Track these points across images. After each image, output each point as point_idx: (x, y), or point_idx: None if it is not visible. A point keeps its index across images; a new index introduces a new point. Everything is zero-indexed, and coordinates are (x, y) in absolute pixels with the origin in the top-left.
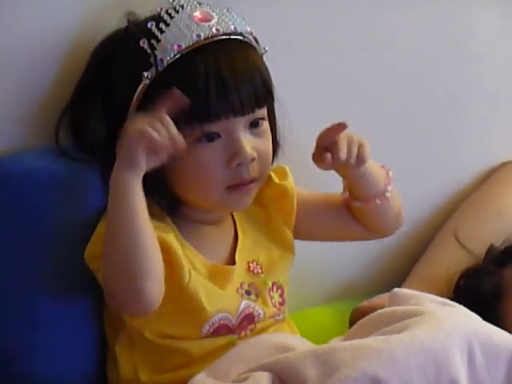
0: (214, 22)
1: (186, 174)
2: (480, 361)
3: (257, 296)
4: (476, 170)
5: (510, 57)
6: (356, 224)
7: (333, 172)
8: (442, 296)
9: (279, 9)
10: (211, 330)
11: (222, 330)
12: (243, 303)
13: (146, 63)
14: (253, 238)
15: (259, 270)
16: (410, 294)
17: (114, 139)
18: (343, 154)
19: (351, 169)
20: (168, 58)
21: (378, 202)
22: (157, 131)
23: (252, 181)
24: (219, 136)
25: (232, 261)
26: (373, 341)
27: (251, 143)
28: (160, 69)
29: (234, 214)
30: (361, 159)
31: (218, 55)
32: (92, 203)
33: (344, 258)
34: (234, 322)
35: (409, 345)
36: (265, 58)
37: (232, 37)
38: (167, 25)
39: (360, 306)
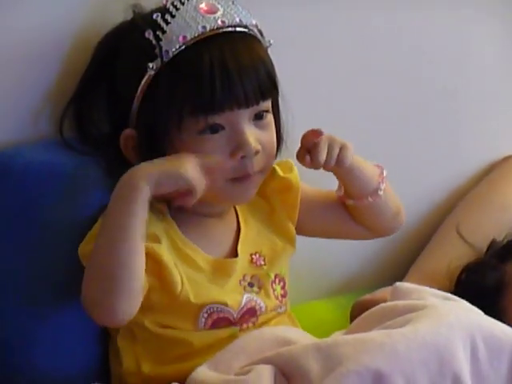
0: (219, 13)
1: None
2: (483, 355)
3: (259, 288)
4: (478, 165)
5: (510, 52)
6: (355, 222)
7: None
8: (443, 290)
9: (283, 4)
10: (209, 322)
11: (223, 322)
12: (245, 297)
13: (152, 54)
14: (256, 229)
15: (262, 262)
16: (411, 288)
17: (118, 132)
18: (321, 156)
19: (333, 169)
20: (173, 49)
21: (370, 199)
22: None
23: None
24: (223, 128)
25: (234, 253)
26: (375, 335)
27: (255, 135)
28: (165, 60)
29: (237, 206)
30: (341, 161)
31: (223, 47)
32: (95, 197)
33: (345, 251)
34: (235, 316)
35: (411, 339)
36: (269, 52)
37: (237, 29)
38: (173, 16)
39: (361, 300)
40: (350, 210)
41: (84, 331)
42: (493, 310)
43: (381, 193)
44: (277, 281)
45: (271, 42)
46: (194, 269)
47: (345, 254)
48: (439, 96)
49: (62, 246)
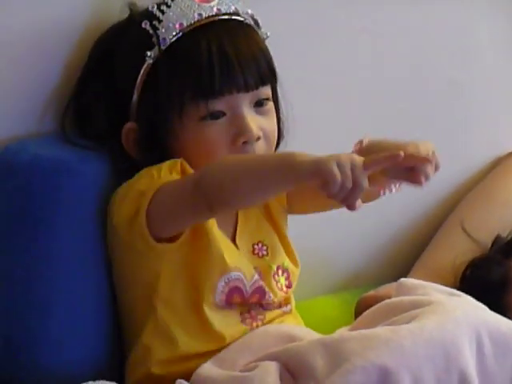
0: (214, 2)
1: (192, 152)
2: (488, 350)
3: (262, 280)
4: (482, 160)
5: None
6: None
7: None
8: (448, 286)
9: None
10: (226, 290)
11: (236, 294)
12: (255, 275)
13: (149, 43)
14: (256, 218)
15: (264, 252)
16: (416, 284)
17: (118, 127)
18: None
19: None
20: (170, 37)
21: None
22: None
23: None
24: (224, 114)
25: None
26: (381, 331)
27: (256, 122)
28: (163, 47)
29: None
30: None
31: (221, 33)
32: (101, 190)
33: (350, 247)
34: (247, 289)
35: (417, 335)
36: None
37: (233, 17)
38: (168, 6)
39: (366, 296)
40: None
41: (89, 329)
42: (498, 305)
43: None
44: (280, 272)
45: (268, 34)
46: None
47: (349, 250)
48: (444, 92)
49: (67, 241)
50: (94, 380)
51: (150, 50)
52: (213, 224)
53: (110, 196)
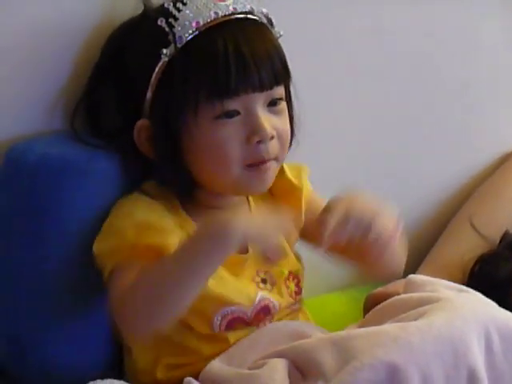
0: (230, 1)
1: (205, 152)
2: (497, 347)
3: (272, 285)
4: (490, 156)
5: None
6: None
7: (347, 162)
8: (457, 282)
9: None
10: (224, 322)
11: (237, 322)
12: (259, 295)
13: (165, 41)
14: None
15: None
16: (425, 281)
17: (130, 125)
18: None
19: None
20: (186, 35)
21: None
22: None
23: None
24: (238, 113)
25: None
26: (389, 328)
27: (270, 121)
28: (179, 45)
29: (252, 201)
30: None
31: (237, 32)
32: (109, 190)
33: None
34: (249, 315)
35: (426, 331)
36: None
37: (249, 16)
38: (184, 4)
39: (374, 293)
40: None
41: (98, 329)
42: (506, 301)
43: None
44: (291, 278)
45: (281, 33)
46: None
47: None
48: (452, 89)
49: (74, 241)
50: (102, 379)
51: (165, 47)
52: None
53: (117, 197)
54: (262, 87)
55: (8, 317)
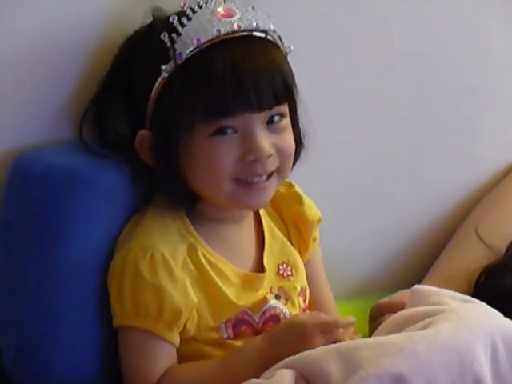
0: (236, 18)
1: (199, 167)
2: (503, 357)
3: (286, 300)
4: (496, 166)
5: None
6: None
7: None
8: (462, 293)
9: (301, 7)
10: (230, 324)
11: (244, 326)
12: (270, 302)
13: (166, 56)
14: (281, 239)
15: (289, 273)
16: (430, 291)
17: (135, 135)
18: None
19: None
20: (187, 52)
21: None
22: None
23: (269, 176)
24: (235, 131)
25: (261, 265)
26: (395, 338)
27: (269, 140)
28: (178, 62)
29: (262, 216)
30: None
31: (237, 51)
32: (116, 201)
33: (364, 254)
34: (257, 321)
35: (432, 341)
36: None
37: (254, 33)
38: (189, 19)
39: (380, 303)
40: None
41: (101, 339)
42: None
43: None
44: (301, 294)
45: (292, 48)
46: (224, 282)
47: (363, 257)
48: (458, 96)
49: (81, 251)
50: None
51: (166, 63)
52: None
53: (125, 208)
54: (261, 108)
55: (14, 326)
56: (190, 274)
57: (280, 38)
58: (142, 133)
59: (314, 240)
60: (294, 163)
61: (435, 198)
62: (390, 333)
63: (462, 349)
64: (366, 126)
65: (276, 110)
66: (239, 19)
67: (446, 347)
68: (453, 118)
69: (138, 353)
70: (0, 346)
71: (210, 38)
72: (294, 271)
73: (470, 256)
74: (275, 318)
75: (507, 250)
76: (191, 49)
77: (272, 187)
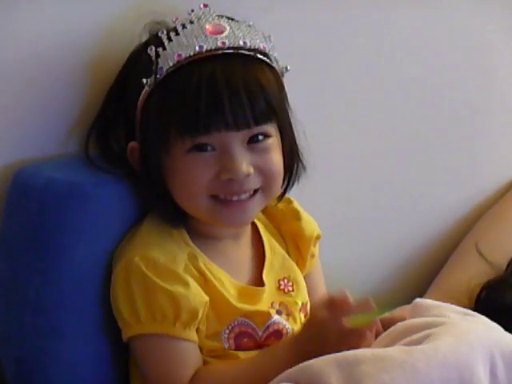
0: (223, 35)
1: (178, 181)
2: (501, 372)
3: (287, 315)
4: (497, 182)
5: None
6: None
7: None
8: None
9: (296, 24)
10: (232, 335)
11: (246, 338)
12: (274, 317)
13: (149, 71)
14: (282, 254)
15: (290, 288)
16: (431, 304)
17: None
18: None
19: None
20: (167, 67)
21: None
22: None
23: (253, 194)
24: (213, 148)
25: (260, 280)
26: (395, 352)
27: (248, 159)
28: (159, 77)
29: (262, 231)
30: None
31: (216, 68)
32: (116, 215)
33: (365, 269)
34: (260, 334)
35: (431, 357)
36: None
37: (240, 51)
38: (177, 34)
39: (381, 319)
40: None
41: (101, 351)
42: None
43: None
44: (302, 309)
45: (288, 68)
46: (224, 290)
47: (364, 273)
48: (460, 113)
49: (81, 265)
50: None
51: (148, 77)
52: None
53: (125, 221)
54: (238, 127)
55: (14, 340)
56: (193, 277)
57: (276, 58)
58: (132, 144)
59: (312, 256)
60: (291, 181)
61: (436, 214)
62: (391, 342)
63: (461, 364)
64: (366, 143)
65: (257, 129)
66: (226, 36)
67: (446, 363)
68: (454, 134)
69: (162, 359)
70: (1, 360)
71: (191, 54)
72: (295, 287)
73: (471, 272)
74: (278, 333)
75: (508, 266)
76: (171, 64)
77: (255, 205)
